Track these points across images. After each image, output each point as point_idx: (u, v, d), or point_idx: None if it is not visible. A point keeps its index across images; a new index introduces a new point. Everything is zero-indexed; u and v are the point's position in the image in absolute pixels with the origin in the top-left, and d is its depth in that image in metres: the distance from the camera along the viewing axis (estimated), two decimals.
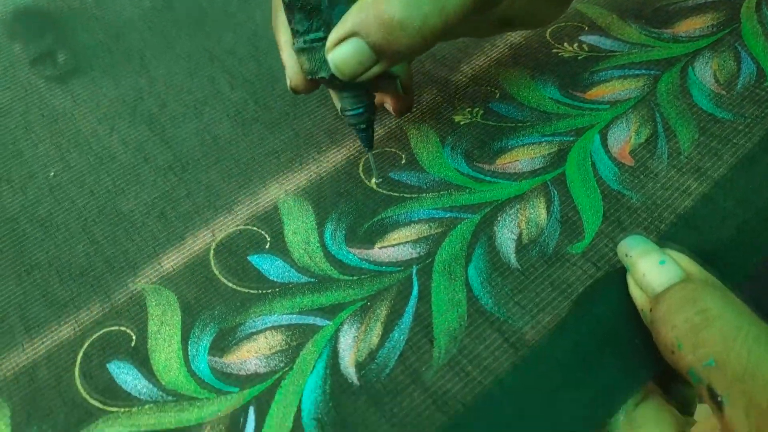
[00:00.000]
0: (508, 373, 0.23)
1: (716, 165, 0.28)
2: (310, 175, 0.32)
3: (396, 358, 0.24)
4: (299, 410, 0.23)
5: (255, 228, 0.30)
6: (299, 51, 0.26)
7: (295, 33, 0.26)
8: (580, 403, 0.22)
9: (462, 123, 0.32)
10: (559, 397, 0.22)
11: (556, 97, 0.32)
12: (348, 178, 0.31)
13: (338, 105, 0.29)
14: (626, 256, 0.24)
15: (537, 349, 0.23)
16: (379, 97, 0.33)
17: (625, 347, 0.23)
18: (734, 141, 0.28)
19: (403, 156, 0.31)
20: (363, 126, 0.29)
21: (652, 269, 0.23)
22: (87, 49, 0.39)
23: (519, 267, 0.26)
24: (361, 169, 0.31)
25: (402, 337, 0.24)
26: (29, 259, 0.30)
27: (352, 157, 0.32)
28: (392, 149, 0.32)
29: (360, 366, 0.24)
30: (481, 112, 0.33)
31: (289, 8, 0.25)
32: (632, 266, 0.24)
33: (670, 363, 0.21)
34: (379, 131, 0.33)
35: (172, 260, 0.29)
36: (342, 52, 0.24)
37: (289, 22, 0.26)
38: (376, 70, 0.25)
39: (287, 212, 0.30)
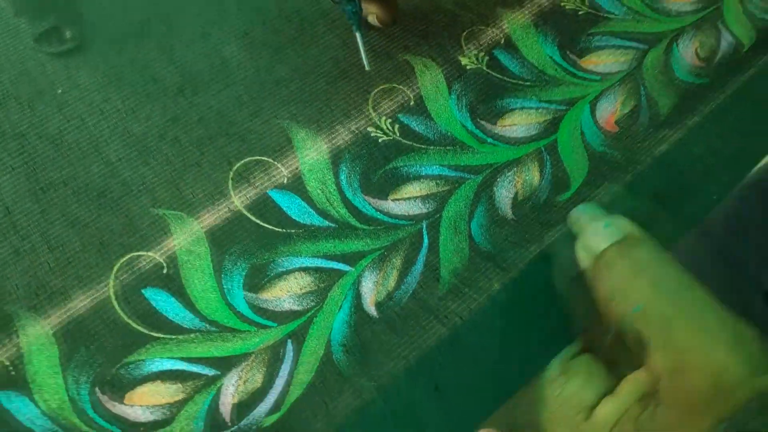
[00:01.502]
0: (498, 290, 0.28)
1: (691, 116, 0.32)
2: (321, 107, 0.33)
3: (409, 295, 0.29)
4: (329, 341, 0.28)
5: (270, 160, 0.31)
6: None
7: None
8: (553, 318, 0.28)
9: (468, 68, 0.34)
10: (538, 312, 0.28)
11: (555, 57, 0.34)
12: (358, 114, 0.33)
13: None
14: (577, 221, 0.27)
15: (524, 272, 0.29)
16: (365, 6, 0.33)
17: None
18: (709, 95, 0.33)
19: (412, 97, 0.33)
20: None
21: (596, 232, 0.25)
22: None
23: (514, 218, 0.30)
24: (370, 104, 0.33)
25: (414, 281, 0.29)
26: (43, 177, 0.30)
27: (360, 90, 0.34)
28: (400, 86, 0.34)
29: (379, 305, 0.29)
30: (487, 58, 0.34)
31: None
32: (580, 230, 0.26)
33: (604, 314, 0.24)
34: (387, 63, 0.34)
35: (190, 187, 0.31)
36: None
37: None
38: None
39: (301, 146, 0.32)
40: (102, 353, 0.27)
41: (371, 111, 0.33)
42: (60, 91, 0.32)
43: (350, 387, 0.27)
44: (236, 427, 0.26)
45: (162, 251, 0.29)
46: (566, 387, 0.25)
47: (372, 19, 0.33)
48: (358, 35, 0.30)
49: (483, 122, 0.33)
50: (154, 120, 0.32)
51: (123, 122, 0.31)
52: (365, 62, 0.31)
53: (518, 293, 0.28)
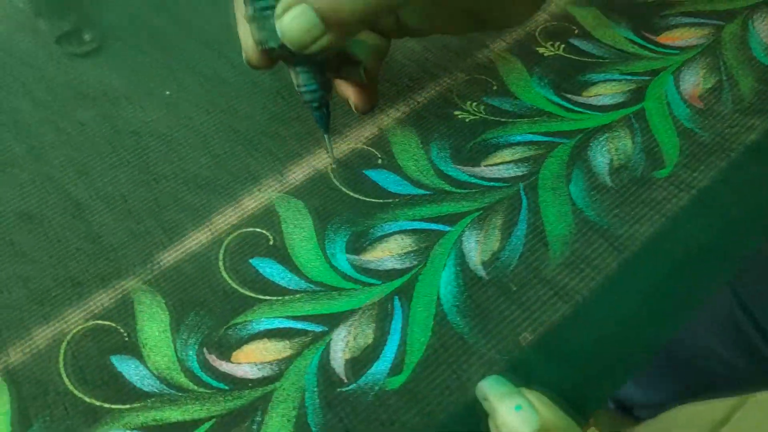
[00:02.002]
0: (615, 271, 0.27)
1: None
2: (406, 99, 0.35)
3: (517, 257, 0.28)
4: (439, 299, 0.27)
5: (367, 147, 0.33)
6: (250, 19, 0.26)
7: (246, 1, 0.26)
8: (671, 302, 0.26)
9: (546, 55, 0.36)
10: (659, 294, 0.27)
11: (630, 37, 0.36)
12: (444, 102, 0.34)
13: (294, 81, 0.29)
14: (485, 400, 0.24)
15: (638, 253, 0.28)
16: (344, 92, 0.32)
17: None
18: None
19: (494, 83, 0.35)
20: (316, 104, 0.29)
21: (508, 416, 0.22)
22: None
23: (614, 186, 0.30)
24: (454, 94, 0.35)
25: (519, 242, 0.28)
26: (155, 170, 0.32)
27: (443, 84, 0.35)
28: (481, 76, 0.35)
29: (486, 264, 0.28)
30: (563, 46, 0.36)
31: None
32: (492, 411, 0.23)
33: None
34: (466, 60, 0.36)
35: (293, 174, 0.32)
36: (290, 19, 0.25)
37: None
38: (324, 41, 0.25)
39: (392, 133, 0.33)
40: (210, 317, 0.27)
41: (455, 98, 0.34)
42: (168, 92, 0.35)
43: (479, 358, 0.25)
44: (355, 385, 0.25)
45: (268, 226, 0.30)
46: None
47: (351, 103, 0.32)
48: (326, 137, 0.31)
49: (567, 95, 0.34)
50: (255, 118, 0.34)
51: (228, 120, 0.34)
52: (331, 158, 0.31)
53: (635, 277, 0.27)
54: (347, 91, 0.32)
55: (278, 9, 0.25)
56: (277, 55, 0.27)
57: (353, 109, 0.32)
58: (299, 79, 0.28)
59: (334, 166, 0.31)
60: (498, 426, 0.22)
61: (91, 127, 0.34)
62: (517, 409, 0.22)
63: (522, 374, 0.25)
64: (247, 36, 0.28)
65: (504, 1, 0.30)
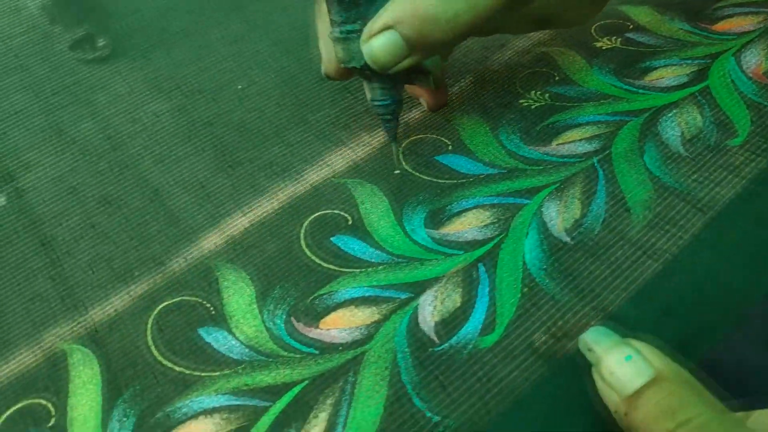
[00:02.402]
0: (700, 230, 0.27)
1: None
2: (474, 96, 0.36)
3: (600, 223, 0.28)
4: (525, 264, 0.27)
5: (434, 136, 0.34)
6: (335, 40, 0.28)
7: (332, 23, 0.28)
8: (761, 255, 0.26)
9: (604, 48, 0.37)
10: (748, 248, 0.26)
11: (686, 28, 0.37)
12: (508, 94, 0.35)
13: (368, 96, 0.31)
14: (589, 351, 0.23)
15: (722, 212, 0.27)
16: (415, 92, 0.34)
17: None
18: None
19: (556, 74, 0.36)
20: (388, 117, 0.30)
21: (619, 367, 0.21)
22: None
23: (688, 155, 0.30)
24: (518, 85, 0.36)
25: (600, 209, 0.29)
26: (230, 158, 0.33)
27: (506, 79, 0.36)
28: (543, 69, 0.36)
29: (569, 231, 0.28)
30: (620, 39, 0.37)
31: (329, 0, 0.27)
32: (597, 362, 0.22)
33: None
34: (525, 56, 0.37)
35: (365, 161, 0.33)
36: (377, 44, 0.26)
37: (329, 12, 0.28)
38: (407, 62, 0.27)
39: (462, 127, 0.34)
40: (295, 289, 0.28)
41: (519, 89, 0.35)
42: (240, 86, 0.36)
43: (573, 314, 0.25)
44: (447, 345, 0.25)
45: (346, 208, 0.31)
46: None
47: (423, 102, 0.35)
48: (393, 146, 0.32)
49: (630, 80, 0.34)
50: (325, 111, 0.35)
51: (299, 112, 0.35)
52: (396, 165, 0.32)
53: (724, 234, 0.27)
54: (418, 91, 0.34)
55: (364, 34, 0.27)
56: (357, 72, 0.29)
57: (426, 107, 0.34)
58: (374, 93, 0.30)
59: (398, 172, 0.32)
60: (605, 377, 0.22)
61: (166, 118, 0.35)
62: (628, 359, 0.21)
63: (620, 329, 0.24)
64: (329, 52, 0.30)
65: (570, 3, 0.32)
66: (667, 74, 0.34)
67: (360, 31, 0.27)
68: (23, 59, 0.38)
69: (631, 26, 0.38)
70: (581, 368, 0.23)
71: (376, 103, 0.30)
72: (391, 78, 0.29)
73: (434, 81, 0.32)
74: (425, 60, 0.28)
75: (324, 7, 0.29)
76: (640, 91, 0.34)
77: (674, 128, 0.31)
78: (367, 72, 0.28)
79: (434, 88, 0.33)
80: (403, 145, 0.33)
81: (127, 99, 0.36)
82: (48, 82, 0.37)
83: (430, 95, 0.34)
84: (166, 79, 0.37)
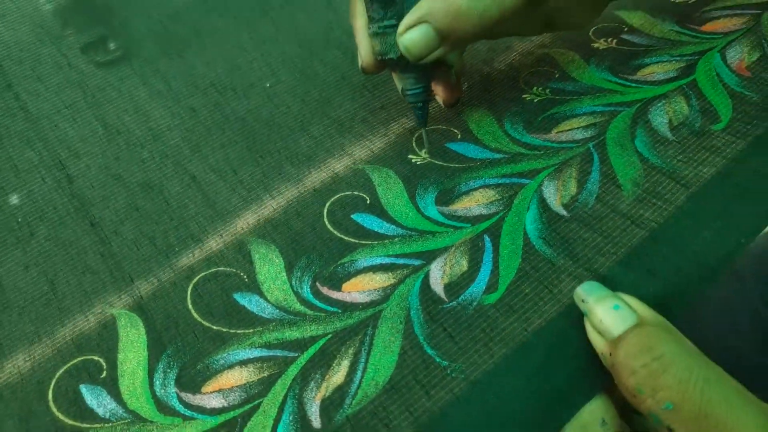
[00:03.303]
0: (684, 202, 0.30)
1: None
2: (482, 92, 0.39)
3: (594, 198, 0.31)
4: (525, 234, 0.30)
5: (444, 126, 0.37)
6: (374, 35, 0.31)
7: (371, 20, 0.31)
8: (739, 221, 0.29)
9: (601, 48, 0.40)
10: (727, 216, 0.29)
11: (676, 29, 0.40)
12: (512, 89, 0.38)
13: (399, 86, 0.34)
14: (582, 302, 0.26)
15: (704, 187, 0.30)
16: (434, 89, 0.37)
17: None
18: None
19: (557, 72, 0.39)
20: (420, 104, 0.33)
21: (607, 314, 0.24)
22: None
23: (675, 139, 0.33)
24: (521, 82, 0.39)
25: (594, 187, 0.32)
26: (260, 148, 0.37)
27: (510, 77, 0.40)
28: (544, 68, 0.40)
29: (566, 206, 0.31)
30: (615, 41, 0.40)
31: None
32: (589, 312, 0.25)
33: (633, 405, 0.23)
34: (528, 57, 0.41)
35: (382, 150, 0.36)
36: (411, 36, 0.30)
37: (368, 10, 0.31)
38: (437, 53, 0.30)
39: (471, 119, 0.37)
40: (319, 259, 0.31)
41: (522, 86, 0.39)
42: (268, 84, 0.40)
43: (568, 275, 0.28)
44: (455, 302, 0.28)
45: (364, 190, 0.34)
46: None
47: (437, 98, 0.37)
48: (423, 131, 0.35)
49: (624, 75, 0.37)
50: (345, 107, 0.39)
51: (322, 108, 0.39)
52: (426, 149, 0.35)
53: (705, 206, 0.30)
54: (436, 89, 0.37)
55: (401, 27, 0.30)
56: (392, 64, 0.32)
57: (441, 103, 0.37)
58: (406, 83, 0.33)
59: (427, 156, 0.35)
60: (595, 324, 0.25)
61: (201, 112, 0.39)
62: (616, 308, 0.24)
63: (609, 287, 0.27)
64: (366, 47, 0.33)
65: (573, 8, 0.35)
66: (658, 70, 0.37)
67: (396, 26, 0.30)
68: (71, 59, 0.42)
69: (626, 28, 0.41)
70: (575, 319, 0.26)
71: (408, 92, 0.33)
72: (423, 68, 0.32)
73: (455, 74, 0.35)
74: (453, 51, 0.31)
75: (359, 7, 0.33)
76: (633, 84, 0.37)
77: (663, 116, 0.34)
78: (402, 63, 0.31)
79: (454, 80, 0.36)
80: (415, 135, 0.37)
81: (166, 95, 0.40)
82: (93, 79, 0.41)
83: (446, 91, 0.37)
84: (201, 78, 0.41)
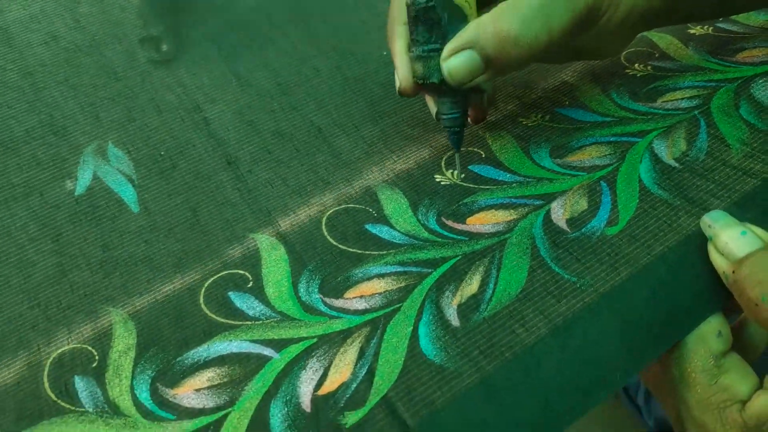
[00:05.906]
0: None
1: None
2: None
3: (704, 154, 0.33)
4: (640, 181, 0.32)
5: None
6: (416, 58, 0.31)
7: (414, 42, 0.31)
8: None
9: (697, 34, 0.43)
10: None
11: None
12: (613, 64, 0.41)
13: (433, 110, 0.33)
14: (709, 227, 0.28)
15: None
16: None
17: None
18: None
19: (656, 53, 0.42)
20: (457, 129, 0.33)
21: (734, 239, 0.26)
22: None
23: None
24: (622, 59, 0.42)
25: (703, 145, 0.33)
26: (378, 109, 0.40)
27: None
28: (644, 48, 0.42)
29: (678, 159, 0.33)
30: (711, 28, 0.43)
31: (414, 21, 0.30)
32: (715, 236, 0.27)
33: (752, 316, 0.25)
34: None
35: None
36: (456, 61, 0.29)
37: (411, 33, 0.31)
38: (481, 78, 0.30)
39: (578, 89, 0.40)
40: (442, 200, 0.33)
41: (624, 62, 0.41)
42: (384, 53, 0.43)
43: (685, 213, 0.30)
44: (578, 233, 0.30)
45: (478, 147, 0.37)
46: (721, 378, 0.26)
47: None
48: (457, 155, 0.35)
49: (723, 57, 0.40)
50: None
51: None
52: (458, 173, 0.35)
53: None
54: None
55: (445, 52, 0.29)
56: (431, 88, 0.32)
57: (469, 121, 0.37)
58: (443, 107, 0.32)
59: (462, 176, 0.35)
60: (721, 248, 0.27)
61: (324, 72, 0.43)
62: (743, 234, 0.26)
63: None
64: (405, 70, 0.32)
65: (604, 40, 0.33)
66: (757, 54, 0.40)
67: (439, 50, 0.30)
68: (206, 15, 0.47)
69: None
70: (697, 248, 0.28)
71: (444, 116, 0.32)
72: (461, 93, 0.32)
73: (487, 99, 0.36)
74: (496, 77, 0.31)
75: (398, 29, 0.33)
76: (733, 65, 0.39)
77: (766, 90, 0.36)
78: (443, 87, 0.31)
79: (486, 106, 0.36)
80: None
81: (293, 54, 0.44)
82: (227, 37, 0.45)
83: (476, 110, 0.36)
84: (324, 42, 0.45)
